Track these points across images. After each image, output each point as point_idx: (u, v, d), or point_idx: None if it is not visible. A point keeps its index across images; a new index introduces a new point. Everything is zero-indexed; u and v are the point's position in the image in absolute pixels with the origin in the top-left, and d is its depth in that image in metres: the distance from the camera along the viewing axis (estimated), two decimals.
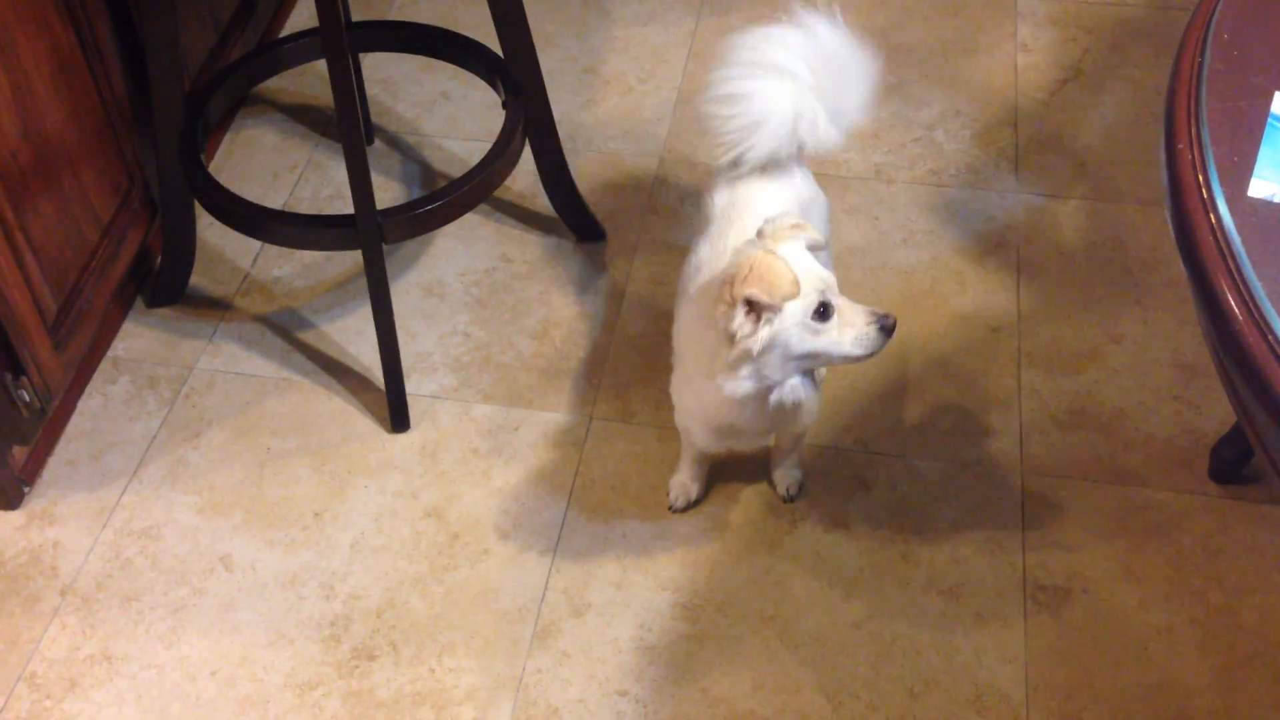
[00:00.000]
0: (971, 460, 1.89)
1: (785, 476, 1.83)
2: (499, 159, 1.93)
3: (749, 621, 1.72)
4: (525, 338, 2.08)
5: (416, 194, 2.31)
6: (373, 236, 1.80)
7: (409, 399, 1.97)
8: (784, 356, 1.47)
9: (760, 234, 1.51)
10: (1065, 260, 2.15)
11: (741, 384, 1.50)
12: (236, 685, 1.67)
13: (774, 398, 1.55)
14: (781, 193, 1.70)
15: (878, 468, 1.88)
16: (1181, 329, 2.03)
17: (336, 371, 2.04)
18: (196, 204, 2.00)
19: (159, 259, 2.12)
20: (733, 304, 1.43)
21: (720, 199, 1.71)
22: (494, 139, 1.97)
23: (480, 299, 2.14)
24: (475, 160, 1.96)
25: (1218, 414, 1.89)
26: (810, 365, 1.54)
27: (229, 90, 2.03)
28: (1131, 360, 2.00)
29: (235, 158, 2.38)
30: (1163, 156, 1.09)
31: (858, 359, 1.49)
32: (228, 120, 2.42)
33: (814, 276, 1.45)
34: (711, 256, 1.65)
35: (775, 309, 1.42)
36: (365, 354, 2.05)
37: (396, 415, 1.95)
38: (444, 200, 1.87)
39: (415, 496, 1.87)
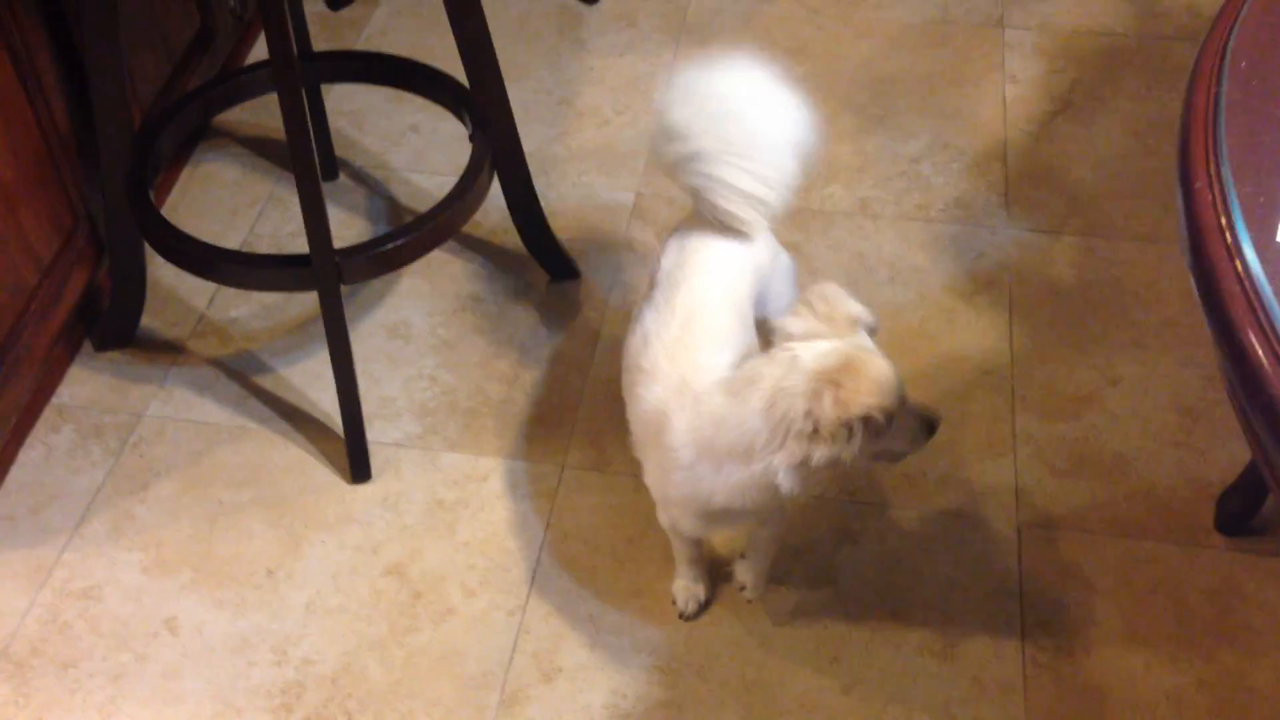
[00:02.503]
0: (964, 511, 1.79)
1: (749, 571, 1.68)
2: (465, 195, 1.83)
3: (730, 687, 1.61)
4: (495, 382, 1.97)
5: (381, 230, 2.21)
6: (329, 277, 1.70)
7: (371, 447, 1.86)
8: (841, 466, 1.32)
9: (815, 314, 1.36)
10: (1059, 298, 2.06)
11: (789, 482, 1.31)
12: None
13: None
14: (734, 254, 1.55)
15: (865, 519, 1.78)
16: (1182, 371, 1.94)
17: (294, 418, 1.93)
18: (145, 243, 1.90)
19: (107, 300, 2.01)
20: (842, 418, 1.26)
21: (668, 260, 1.56)
22: (460, 172, 1.87)
23: (448, 341, 2.03)
24: (442, 194, 1.86)
25: (1222, 461, 1.80)
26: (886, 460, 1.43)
27: (182, 123, 1.93)
28: (1131, 404, 1.90)
29: (193, 193, 2.27)
30: (1179, 197, 1.00)
31: (897, 458, 1.41)
32: (186, 154, 2.32)
33: (890, 386, 1.30)
34: (658, 325, 1.48)
35: (885, 425, 1.29)
36: (326, 400, 1.94)
37: (356, 465, 1.84)
38: (406, 238, 1.77)
39: (375, 552, 1.76)
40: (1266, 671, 1.60)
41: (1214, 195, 0.96)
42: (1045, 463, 1.84)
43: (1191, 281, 0.97)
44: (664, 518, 1.57)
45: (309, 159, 1.62)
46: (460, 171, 1.88)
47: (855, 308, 1.37)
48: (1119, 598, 1.68)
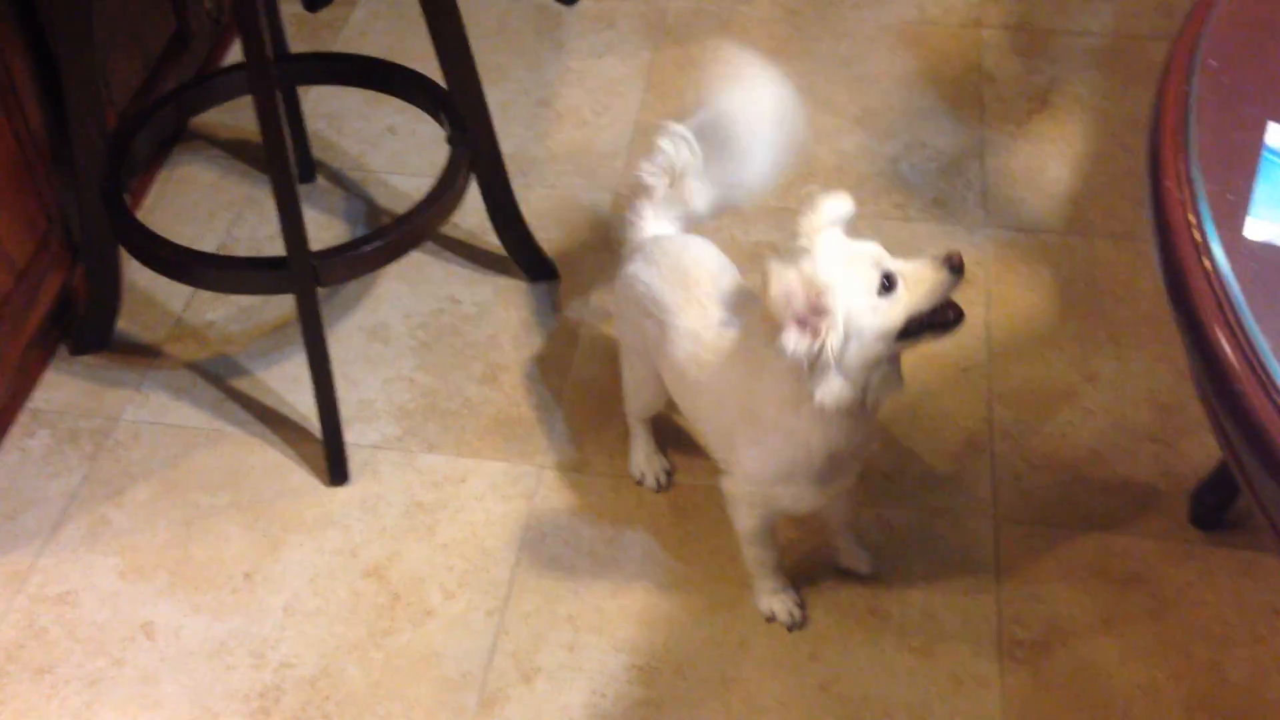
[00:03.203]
0: (943, 508, 1.79)
1: (857, 550, 1.70)
2: (442, 197, 1.83)
3: (709, 685, 1.62)
4: (473, 383, 1.97)
5: (360, 232, 2.20)
6: (306, 279, 1.70)
7: (349, 449, 1.86)
8: (868, 344, 1.33)
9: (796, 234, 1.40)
10: (1036, 297, 2.07)
11: (835, 389, 1.34)
12: None
13: (870, 397, 1.39)
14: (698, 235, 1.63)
15: None
16: (1158, 367, 1.95)
17: (272, 421, 1.93)
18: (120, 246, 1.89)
19: (82, 304, 2.00)
20: (778, 330, 1.30)
21: (650, 272, 1.60)
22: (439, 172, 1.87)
23: (426, 343, 2.03)
24: (420, 195, 1.86)
25: (1197, 456, 1.81)
26: (901, 346, 1.37)
27: (158, 126, 1.93)
28: (1107, 400, 1.91)
29: (169, 196, 2.27)
30: (1149, 195, 1.01)
31: (943, 319, 1.36)
32: (162, 157, 2.31)
33: (862, 255, 1.34)
34: (699, 319, 1.53)
35: (824, 312, 1.30)
36: (304, 402, 1.94)
37: (335, 467, 1.83)
38: (383, 240, 1.77)
39: (354, 555, 1.76)
40: (1240, 664, 1.61)
41: (1183, 194, 0.97)
42: (1022, 459, 1.85)
43: (1162, 278, 0.98)
44: (760, 522, 1.58)
45: (285, 161, 1.61)
46: (439, 173, 1.88)
47: (823, 203, 1.39)
48: (1095, 592, 1.69)
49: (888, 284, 1.33)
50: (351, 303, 2.09)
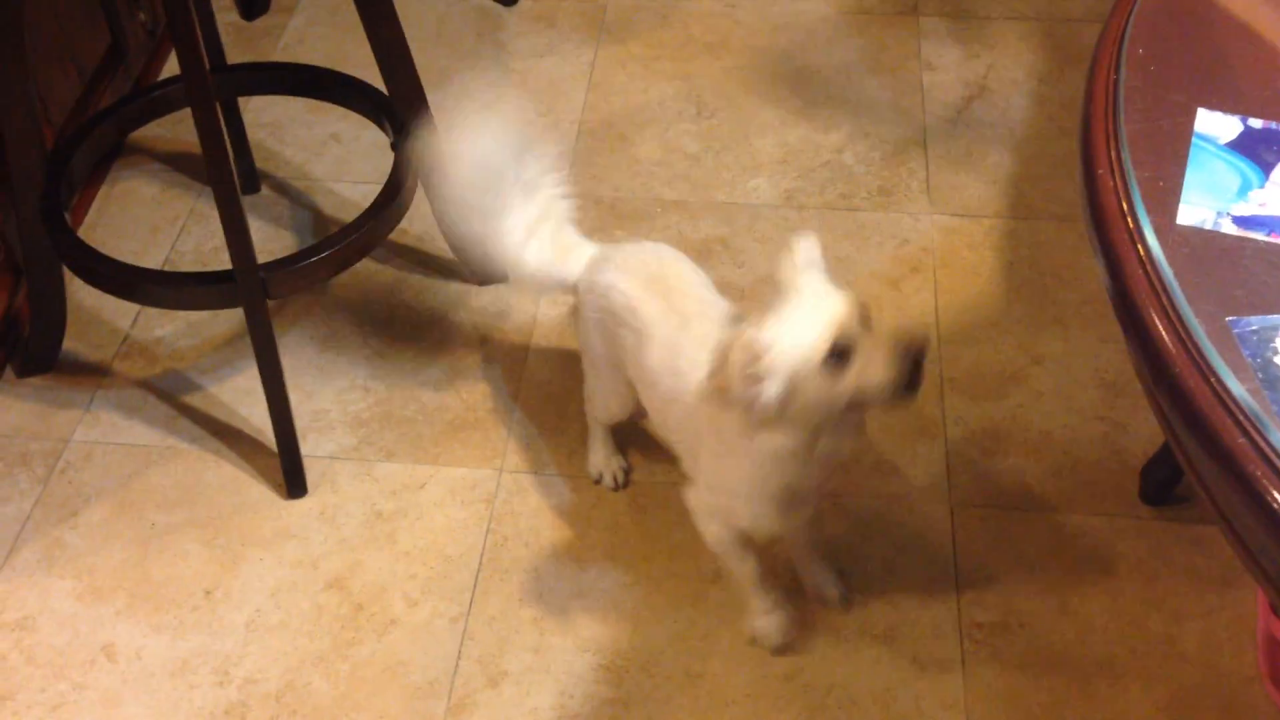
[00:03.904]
0: (898, 494, 1.82)
1: (826, 580, 1.68)
2: (390, 204, 1.83)
3: (675, 681, 1.63)
4: (428, 390, 1.97)
5: (307, 242, 2.19)
6: (254, 293, 1.69)
7: (306, 461, 1.85)
8: (809, 407, 1.32)
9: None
10: (982, 281, 2.10)
11: (775, 441, 1.35)
12: None
13: (822, 448, 1.39)
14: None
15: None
16: (1103, 347, 1.98)
17: (226, 436, 1.91)
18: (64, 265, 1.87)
19: (27, 325, 1.97)
20: (749, 358, 1.29)
21: (623, 279, 1.61)
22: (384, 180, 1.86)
23: (379, 351, 2.03)
24: (369, 204, 1.85)
25: (1144, 434, 1.85)
26: (852, 413, 1.37)
27: (96, 142, 1.90)
28: (1055, 382, 1.94)
29: (111, 212, 2.24)
30: (1082, 183, 1.03)
31: (891, 402, 1.32)
32: (102, 172, 2.29)
33: (824, 317, 1.30)
34: (673, 327, 1.54)
35: (757, 379, 1.29)
36: (257, 415, 1.93)
37: (292, 480, 1.82)
38: (331, 250, 1.76)
39: (315, 566, 1.75)
40: (1192, 636, 1.64)
41: (1115, 181, 0.99)
42: (974, 443, 1.87)
43: (1098, 265, 1.00)
44: (724, 532, 1.56)
45: (227, 174, 1.60)
46: (384, 179, 1.87)
47: (804, 254, 1.37)
48: (1050, 571, 1.72)
49: (838, 357, 1.29)
50: (302, 313, 2.08)
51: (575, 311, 1.71)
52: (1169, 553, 1.73)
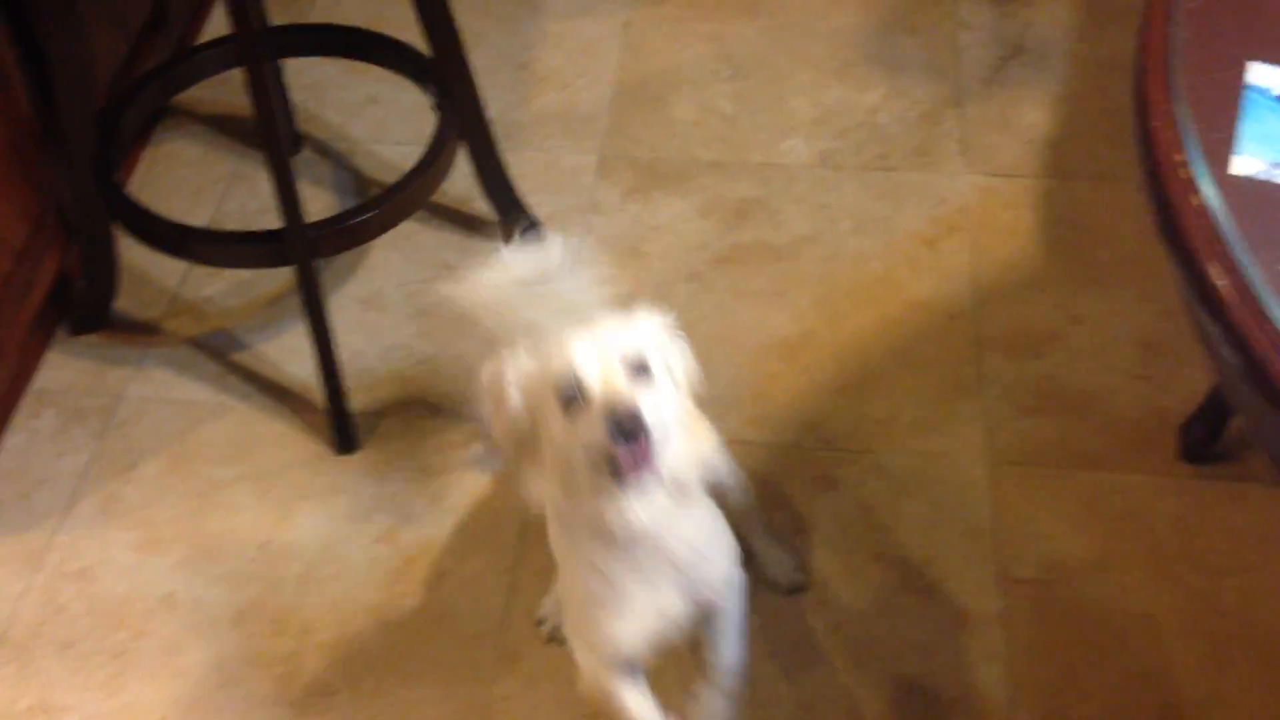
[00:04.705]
0: (938, 452, 1.84)
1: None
2: (433, 164, 1.85)
3: None
4: (472, 348, 1.99)
5: (349, 203, 2.22)
6: (303, 252, 1.71)
7: (354, 418, 1.88)
8: (556, 443, 1.17)
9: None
10: (1019, 241, 2.11)
11: (536, 488, 1.20)
12: None
13: (622, 521, 1.17)
14: None
15: (843, 465, 1.83)
16: (1141, 306, 1.99)
17: (275, 393, 1.95)
18: (115, 224, 1.90)
19: (79, 284, 2.01)
20: (488, 383, 1.21)
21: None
22: (427, 142, 1.88)
23: (423, 310, 2.05)
24: (409, 165, 1.87)
25: (1183, 392, 1.86)
26: (609, 471, 1.14)
27: (144, 103, 1.93)
28: (1093, 341, 1.96)
29: (155, 174, 2.27)
30: (1137, 137, 1.04)
31: (613, 477, 1.13)
32: (145, 135, 2.31)
33: (573, 358, 1.14)
34: None
35: (500, 405, 1.18)
36: (305, 372, 1.96)
37: (341, 436, 1.86)
38: (377, 210, 1.79)
39: (365, 520, 1.79)
40: (1232, 592, 1.66)
41: (1171, 136, 1.00)
42: (1012, 402, 1.89)
43: (1152, 217, 1.01)
44: (592, 660, 1.33)
45: (277, 134, 1.63)
46: (423, 140, 1.90)
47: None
48: (1090, 529, 1.74)
49: (569, 399, 1.14)
50: (344, 274, 2.11)
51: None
52: (1208, 510, 1.74)
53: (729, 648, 1.40)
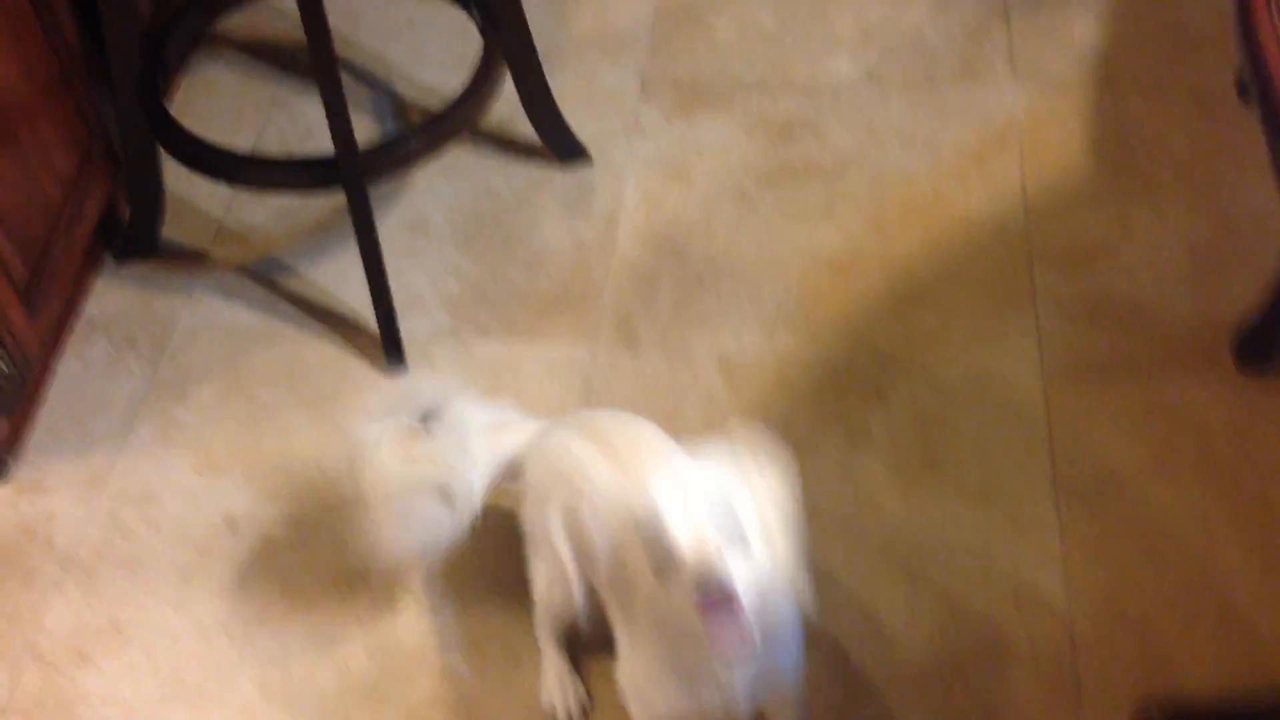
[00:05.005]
0: (991, 366, 1.84)
1: None
2: (481, 88, 1.84)
3: None
4: (519, 270, 2.00)
5: (389, 127, 2.21)
6: (356, 177, 1.71)
7: (403, 341, 1.89)
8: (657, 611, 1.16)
9: None
10: (1069, 155, 2.09)
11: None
12: (255, 646, 1.61)
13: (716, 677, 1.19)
14: None
15: (895, 379, 1.83)
16: (1193, 217, 1.98)
17: (325, 318, 1.95)
18: (161, 151, 1.89)
19: (127, 213, 2.01)
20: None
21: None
22: (465, 65, 1.87)
23: (468, 234, 2.05)
24: (447, 89, 1.86)
25: (1237, 301, 1.84)
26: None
27: (188, 28, 1.92)
28: (1145, 253, 1.95)
29: (194, 102, 2.26)
30: None
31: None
32: (182, 63, 2.30)
33: (660, 516, 1.10)
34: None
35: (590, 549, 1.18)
36: (353, 298, 1.96)
37: (393, 357, 1.87)
38: (428, 134, 1.79)
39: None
40: None
41: None
42: (1065, 314, 1.88)
43: (1239, 60, 0.98)
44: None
45: (330, 57, 1.62)
46: (461, 63, 1.89)
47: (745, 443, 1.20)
48: (1144, 437, 1.74)
49: (658, 563, 1.10)
50: (388, 199, 2.10)
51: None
52: (1264, 416, 1.74)
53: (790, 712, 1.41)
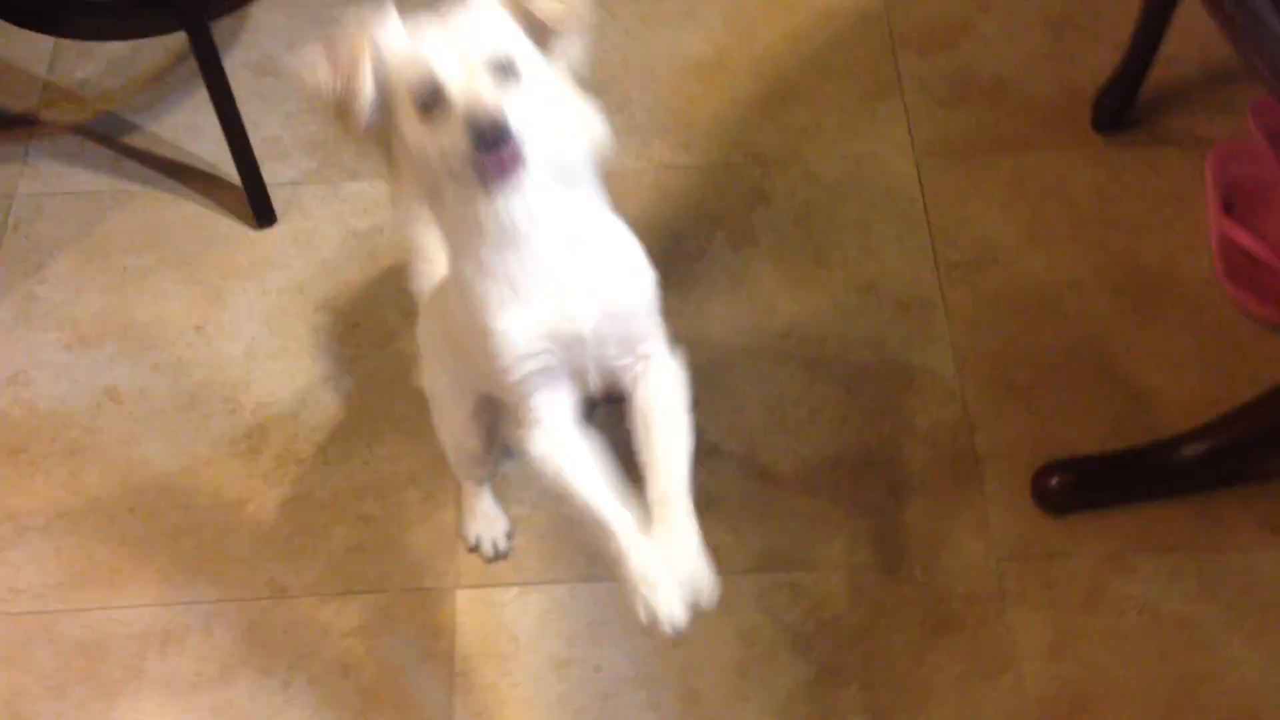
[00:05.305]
0: (865, 153, 1.85)
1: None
2: None
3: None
4: None
5: None
6: (198, 13, 1.59)
7: (268, 190, 1.81)
8: (410, 147, 1.04)
9: None
10: None
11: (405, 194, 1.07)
12: (162, 517, 1.57)
13: (497, 220, 1.06)
14: None
15: (774, 177, 1.83)
16: None
17: (179, 174, 1.85)
18: None
19: None
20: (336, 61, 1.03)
21: None
22: None
23: None
24: None
25: (1093, 66, 1.88)
26: (474, 178, 1.03)
27: None
28: (1002, 26, 1.97)
29: None
30: None
31: (479, 184, 1.03)
32: None
33: (429, 56, 1.01)
34: None
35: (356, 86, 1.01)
36: (206, 149, 1.86)
37: (259, 209, 1.79)
38: None
39: (301, 291, 1.75)
40: (1152, 249, 1.74)
41: None
42: (931, 95, 1.90)
43: None
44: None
45: None
46: None
47: None
48: (1015, 207, 1.79)
49: (428, 102, 1.01)
50: (228, 40, 1.98)
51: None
52: (1125, 176, 1.81)
53: (673, 433, 1.18)
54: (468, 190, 1.05)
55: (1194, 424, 1.49)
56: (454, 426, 1.41)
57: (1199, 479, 1.47)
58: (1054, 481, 1.47)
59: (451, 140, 1.01)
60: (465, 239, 1.11)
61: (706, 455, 1.57)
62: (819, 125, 1.88)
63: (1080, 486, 1.47)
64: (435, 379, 1.41)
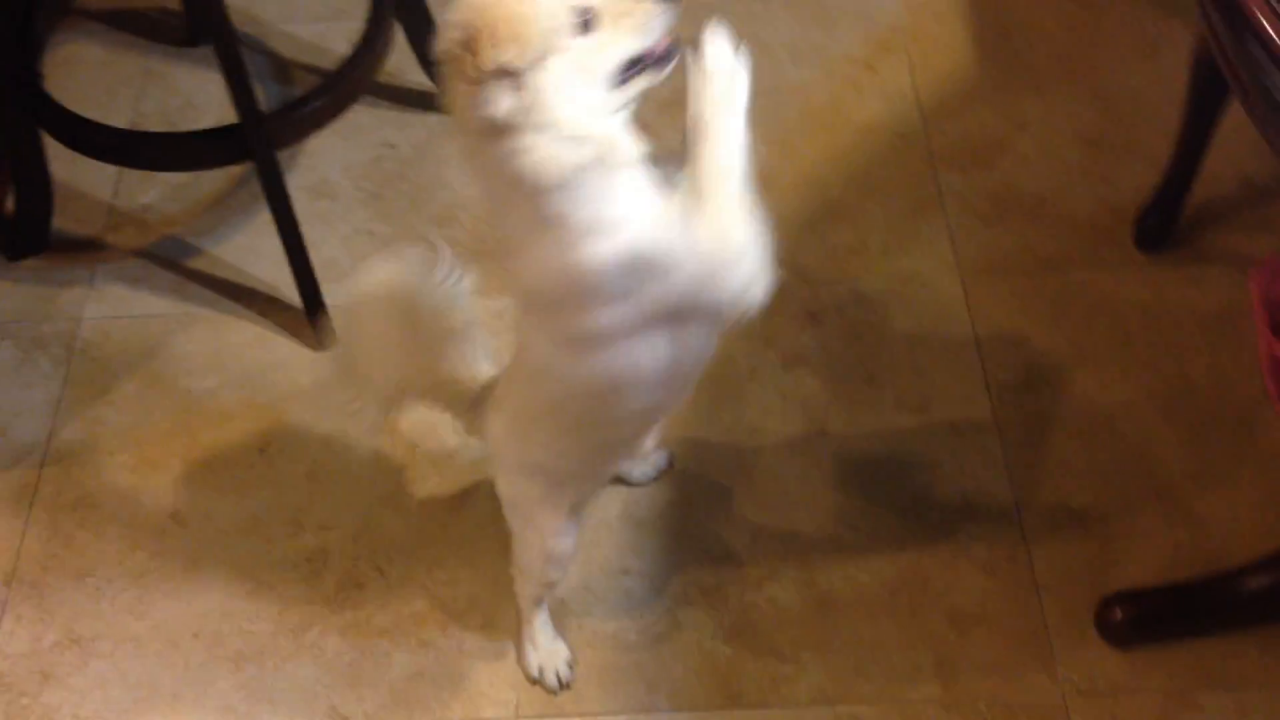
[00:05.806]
0: (910, 270, 1.88)
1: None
2: (376, 41, 1.78)
3: (730, 474, 1.70)
4: (432, 225, 1.96)
5: (273, 89, 2.13)
6: (264, 144, 1.65)
7: (330, 311, 1.84)
8: (579, 96, 1.06)
9: None
10: (955, 53, 2.13)
11: (546, 152, 1.05)
12: (225, 643, 1.58)
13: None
14: None
15: (821, 297, 1.86)
16: (1081, 106, 2.04)
17: (239, 296, 1.90)
18: (44, 137, 1.80)
19: (13, 205, 1.90)
20: (478, 81, 1.01)
21: None
22: (342, 16, 1.81)
23: (374, 193, 2.00)
24: (325, 43, 1.81)
25: (1133, 184, 1.92)
26: (616, 97, 1.09)
27: (51, 3, 1.80)
28: (1039, 144, 2.01)
29: (60, 79, 2.13)
30: None
31: (659, 61, 1.09)
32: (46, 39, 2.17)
33: None
34: None
35: (524, 64, 1.01)
36: (265, 271, 1.91)
37: (320, 330, 1.82)
38: (330, 94, 1.73)
39: (362, 414, 1.77)
40: (1201, 369, 1.76)
41: None
42: (973, 212, 1.94)
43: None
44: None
45: (225, 24, 1.54)
46: (335, 14, 1.84)
47: None
48: (1063, 327, 1.81)
49: (586, 23, 1.05)
50: (286, 164, 2.03)
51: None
52: (1169, 295, 1.83)
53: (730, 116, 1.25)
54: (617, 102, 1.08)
55: (1253, 551, 1.50)
56: (546, 527, 1.38)
57: (1264, 611, 1.47)
58: (1118, 614, 1.47)
59: (616, 45, 1.06)
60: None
61: (764, 580, 1.60)
62: (864, 243, 1.91)
63: (1144, 619, 1.47)
64: (522, 483, 1.37)
